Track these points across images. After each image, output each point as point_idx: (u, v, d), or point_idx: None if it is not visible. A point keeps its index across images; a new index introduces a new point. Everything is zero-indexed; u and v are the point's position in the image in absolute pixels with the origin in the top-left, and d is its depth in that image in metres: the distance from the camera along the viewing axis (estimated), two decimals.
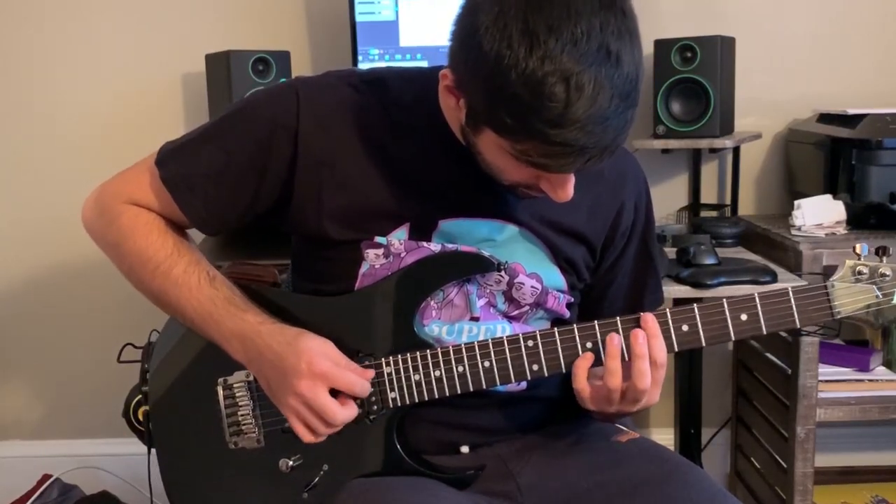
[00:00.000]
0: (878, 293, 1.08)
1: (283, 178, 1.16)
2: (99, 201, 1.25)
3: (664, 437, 2.42)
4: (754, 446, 2.17)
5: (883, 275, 1.08)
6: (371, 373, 1.13)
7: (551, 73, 0.92)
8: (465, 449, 1.22)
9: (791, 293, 1.08)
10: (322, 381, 1.08)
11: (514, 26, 0.93)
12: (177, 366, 1.25)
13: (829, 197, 2.03)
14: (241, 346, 1.13)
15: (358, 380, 1.10)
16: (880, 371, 1.96)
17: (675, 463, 1.16)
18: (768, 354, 2.03)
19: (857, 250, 1.09)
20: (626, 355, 1.09)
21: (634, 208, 1.27)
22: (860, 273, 1.08)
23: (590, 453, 1.20)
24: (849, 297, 1.08)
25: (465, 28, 0.99)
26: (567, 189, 1.06)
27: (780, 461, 1.96)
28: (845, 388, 1.90)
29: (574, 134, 0.95)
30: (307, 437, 1.11)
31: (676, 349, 1.10)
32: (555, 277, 1.22)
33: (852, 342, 2.08)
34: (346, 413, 1.10)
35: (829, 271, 1.76)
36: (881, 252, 1.09)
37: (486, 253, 1.16)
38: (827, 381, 1.88)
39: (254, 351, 1.12)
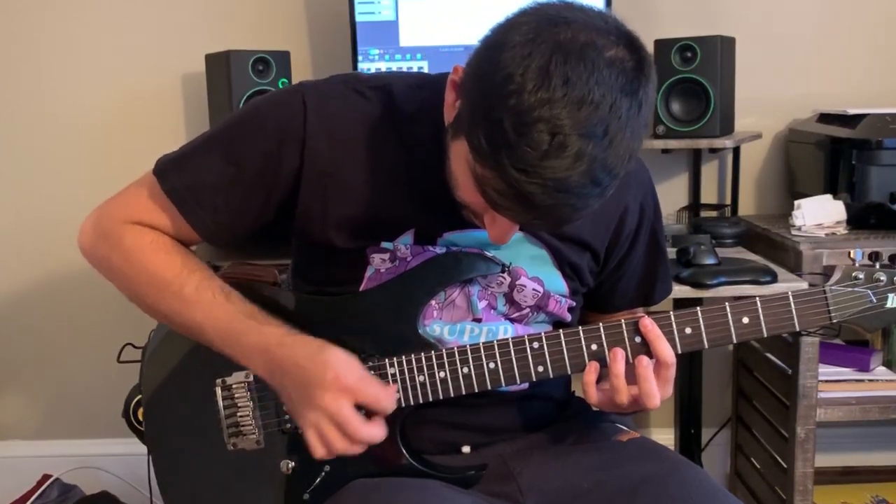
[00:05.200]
0: (873, 298, 1.10)
1: (290, 188, 1.15)
2: (98, 225, 1.20)
3: (664, 437, 2.42)
4: (754, 446, 2.17)
5: (877, 280, 1.10)
6: (394, 389, 1.11)
7: (545, 120, 0.90)
8: (466, 449, 1.22)
9: (791, 297, 1.10)
10: (347, 394, 1.05)
11: (538, 59, 0.91)
12: (170, 366, 1.23)
13: (829, 197, 2.03)
14: (262, 360, 1.10)
15: (384, 393, 1.08)
16: (880, 371, 1.96)
17: (675, 462, 1.16)
18: (768, 355, 2.03)
19: (852, 256, 1.12)
20: (630, 358, 1.10)
21: (640, 209, 1.26)
22: (856, 278, 1.11)
23: (590, 453, 1.20)
24: (845, 302, 1.10)
25: (496, 37, 0.97)
26: (505, 235, 1.05)
27: (780, 461, 1.97)
28: (845, 388, 1.90)
29: (533, 188, 0.92)
30: (319, 451, 1.07)
31: (679, 351, 1.11)
32: (557, 282, 1.21)
33: (852, 342, 2.08)
34: (369, 430, 1.07)
35: (828, 271, 1.76)
36: (874, 257, 1.11)
37: (489, 254, 1.16)
38: (827, 381, 1.89)
39: (275, 364, 1.09)
